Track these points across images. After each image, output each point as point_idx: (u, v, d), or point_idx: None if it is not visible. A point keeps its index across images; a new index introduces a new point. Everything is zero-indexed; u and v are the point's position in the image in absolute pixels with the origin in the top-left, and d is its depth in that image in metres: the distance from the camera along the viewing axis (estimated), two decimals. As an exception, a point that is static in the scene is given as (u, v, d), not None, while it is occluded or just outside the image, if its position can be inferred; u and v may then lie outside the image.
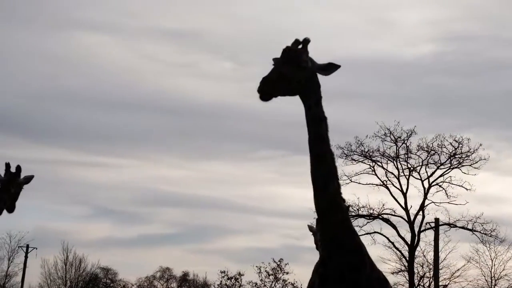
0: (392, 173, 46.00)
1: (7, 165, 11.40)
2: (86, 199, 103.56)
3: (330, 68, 7.31)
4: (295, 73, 7.09)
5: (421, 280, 49.35)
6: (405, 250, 45.20)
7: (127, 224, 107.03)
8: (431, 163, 45.58)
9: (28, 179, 11.47)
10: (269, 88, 6.98)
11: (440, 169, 45.54)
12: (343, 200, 7.47)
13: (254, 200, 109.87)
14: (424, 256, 48.42)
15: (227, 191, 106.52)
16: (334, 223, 7.33)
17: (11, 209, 11.34)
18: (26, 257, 66.59)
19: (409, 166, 45.83)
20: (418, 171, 45.80)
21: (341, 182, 7.68)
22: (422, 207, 45.03)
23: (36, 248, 67.62)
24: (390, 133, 45.47)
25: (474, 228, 44.37)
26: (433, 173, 45.75)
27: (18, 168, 11.43)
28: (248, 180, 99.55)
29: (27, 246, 67.19)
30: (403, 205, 45.25)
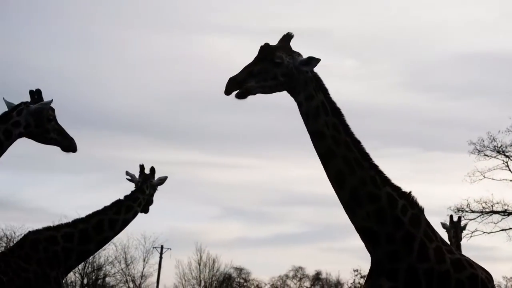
0: (527, 168, 44.54)
1: (142, 167, 11.74)
2: (219, 200, 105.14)
3: (310, 62, 7.19)
4: (269, 70, 7.09)
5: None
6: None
7: (259, 224, 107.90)
8: None
9: (162, 180, 11.76)
10: (234, 87, 7.00)
11: None
12: (388, 187, 7.23)
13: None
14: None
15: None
16: (360, 215, 7.19)
17: (145, 210, 11.65)
18: (160, 257, 68.14)
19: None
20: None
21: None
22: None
23: (171, 249, 69.07)
24: (524, 127, 44.03)
25: None
26: None
27: (152, 170, 11.75)
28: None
29: (162, 247, 68.75)
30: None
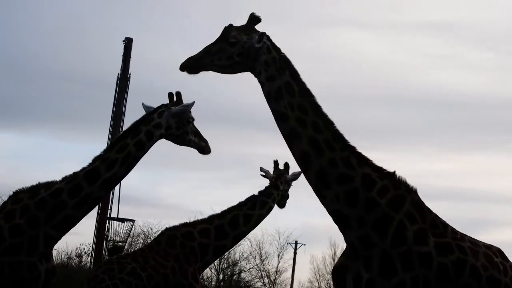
0: None
1: (276, 163, 11.68)
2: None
3: (261, 38, 7.13)
4: (225, 49, 7.12)
5: None
6: None
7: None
8: None
9: (296, 175, 11.66)
10: (190, 64, 7.12)
11: None
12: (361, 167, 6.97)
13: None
14: None
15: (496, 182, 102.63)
16: (329, 197, 6.98)
17: (282, 204, 11.60)
18: (295, 253, 68.48)
19: None
20: None
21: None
22: None
23: (305, 244, 69.29)
24: None
25: None
26: None
27: (286, 165, 11.66)
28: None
29: (296, 242, 69.04)
30: None
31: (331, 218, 7.12)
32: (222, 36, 7.20)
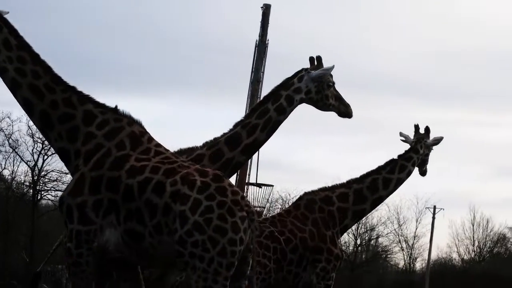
0: None
1: (416, 127, 11.39)
2: (490, 159, 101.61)
3: None
4: None
5: None
6: None
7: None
8: None
9: (437, 140, 11.34)
10: None
11: None
12: None
13: None
14: None
15: None
16: (53, 138, 7.88)
17: (423, 172, 11.33)
18: (433, 218, 67.30)
19: None
20: None
21: None
22: None
23: (443, 209, 67.95)
24: None
25: None
26: None
27: (427, 130, 11.34)
28: None
29: (434, 207, 67.82)
30: None
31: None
32: None
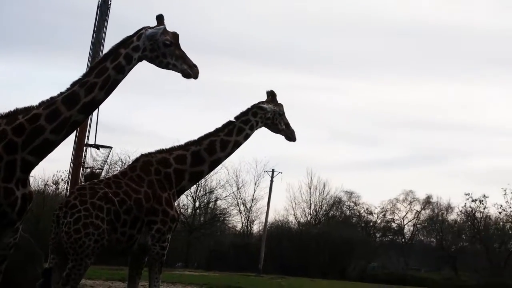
0: None
1: (272, 93, 11.32)
2: (328, 123, 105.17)
3: None
4: None
5: None
6: None
7: (369, 147, 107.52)
8: None
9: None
10: None
11: None
12: None
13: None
14: None
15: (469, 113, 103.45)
16: None
17: (288, 137, 11.37)
18: (271, 181, 68.86)
19: None
20: None
21: None
22: None
23: (281, 172, 69.67)
24: None
25: None
26: None
27: (271, 93, 11.35)
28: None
29: (273, 171, 69.42)
30: None
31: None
32: None
